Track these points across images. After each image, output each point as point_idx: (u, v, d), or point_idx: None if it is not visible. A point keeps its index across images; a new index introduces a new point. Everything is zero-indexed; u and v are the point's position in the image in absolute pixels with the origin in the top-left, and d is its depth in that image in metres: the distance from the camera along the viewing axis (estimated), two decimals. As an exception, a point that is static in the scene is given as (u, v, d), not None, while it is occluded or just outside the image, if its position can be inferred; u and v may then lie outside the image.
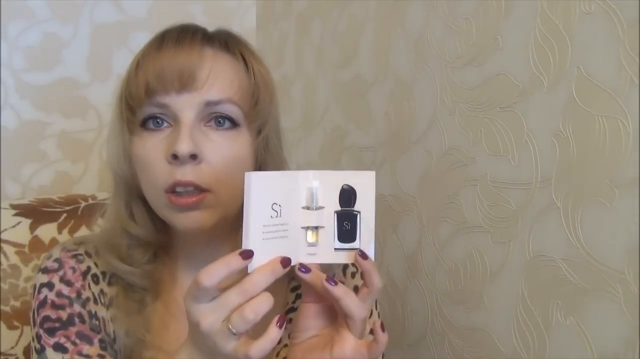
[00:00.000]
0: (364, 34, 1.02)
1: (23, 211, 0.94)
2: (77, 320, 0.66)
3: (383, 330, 0.54)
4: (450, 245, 0.84)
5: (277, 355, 0.69)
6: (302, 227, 0.55)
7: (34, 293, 0.68)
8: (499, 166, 0.74)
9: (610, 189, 0.60)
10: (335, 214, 0.56)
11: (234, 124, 0.64)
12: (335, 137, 1.12)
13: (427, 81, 0.87)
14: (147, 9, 1.27)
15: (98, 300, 0.68)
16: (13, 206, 0.94)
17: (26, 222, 0.93)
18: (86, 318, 0.67)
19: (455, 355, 0.83)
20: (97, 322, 0.67)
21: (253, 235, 0.52)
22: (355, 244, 0.56)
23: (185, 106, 0.62)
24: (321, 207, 0.55)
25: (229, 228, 0.68)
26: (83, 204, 0.98)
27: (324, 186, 0.55)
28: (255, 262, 0.52)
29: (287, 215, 0.54)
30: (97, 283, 0.69)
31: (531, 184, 0.70)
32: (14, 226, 0.92)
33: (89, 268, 0.69)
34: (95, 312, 0.67)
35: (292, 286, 0.73)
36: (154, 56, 0.63)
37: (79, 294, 0.67)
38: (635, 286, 0.58)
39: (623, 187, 0.59)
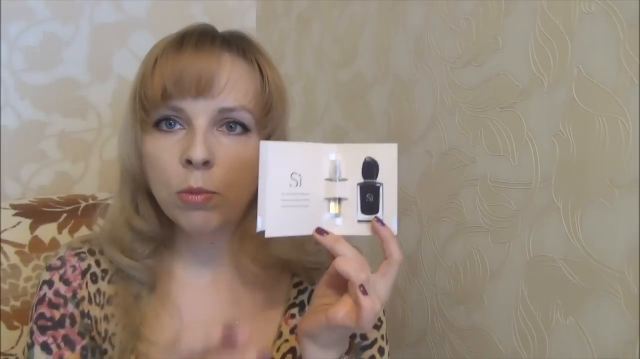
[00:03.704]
0: (364, 34, 1.02)
1: (23, 211, 0.94)
2: (67, 322, 0.68)
3: (364, 293, 0.53)
4: (450, 245, 0.84)
5: (278, 350, 0.70)
6: (325, 199, 0.56)
7: (37, 289, 0.70)
8: (499, 166, 0.74)
9: (610, 189, 0.60)
10: (358, 186, 0.56)
11: (245, 129, 0.65)
12: (335, 137, 1.12)
13: (427, 81, 0.87)
14: (147, 9, 1.26)
15: (93, 299, 0.70)
16: (13, 206, 0.94)
17: (26, 222, 0.93)
18: (77, 318, 0.69)
19: (455, 355, 0.83)
20: (89, 321, 0.69)
21: (270, 201, 0.52)
22: (378, 216, 0.56)
23: (200, 112, 0.62)
24: (344, 179, 0.56)
25: (231, 230, 0.70)
26: (83, 204, 0.97)
27: (346, 158, 0.56)
28: (273, 227, 0.53)
29: (308, 185, 0.55)
30: (95, 281, 0.70)
31: (531, 184, 0.70)
32: (14, 226, 0.92)
33: (89, 266, 0.71)
34: (88, 311, 0.69)
35: (294, 282, 0.74)
36: (172, 58, 0.63)
37: (74, 294, 0.69)
38: (635, 286, 0.58)
39: (623, 187, 0.59)
